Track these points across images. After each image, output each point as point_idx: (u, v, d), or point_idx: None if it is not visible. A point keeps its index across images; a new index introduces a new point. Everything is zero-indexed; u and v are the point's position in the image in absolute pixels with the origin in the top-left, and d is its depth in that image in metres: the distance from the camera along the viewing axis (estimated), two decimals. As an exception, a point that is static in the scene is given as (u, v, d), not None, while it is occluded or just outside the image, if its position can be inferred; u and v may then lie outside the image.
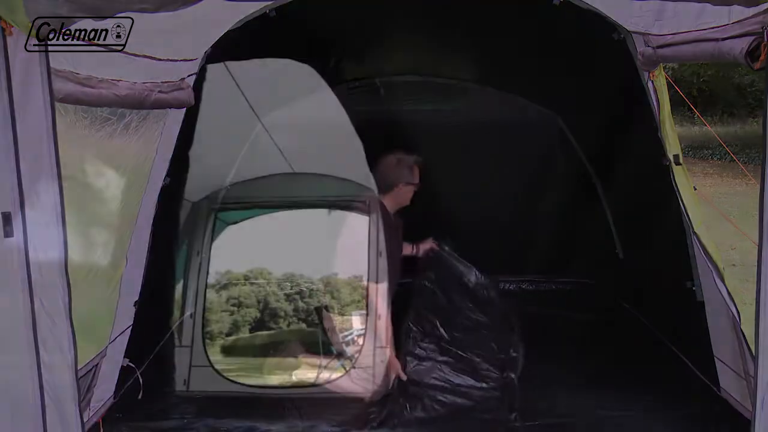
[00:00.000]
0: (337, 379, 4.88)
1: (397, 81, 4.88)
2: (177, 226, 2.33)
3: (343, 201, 4.88)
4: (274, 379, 7.14)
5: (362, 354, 4.63)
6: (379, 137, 3.80)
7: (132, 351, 2.14)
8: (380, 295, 4.72)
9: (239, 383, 4.56)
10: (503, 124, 4.90)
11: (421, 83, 4.94)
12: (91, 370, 1.96)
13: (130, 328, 2.14)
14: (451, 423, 3.21)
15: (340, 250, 4.42)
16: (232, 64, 3.04)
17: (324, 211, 5.42)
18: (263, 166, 4.82)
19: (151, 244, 2.26)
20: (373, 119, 4.19)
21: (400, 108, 4.81)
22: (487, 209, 4.94)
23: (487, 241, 4.91)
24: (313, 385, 5.36)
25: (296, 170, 4.93)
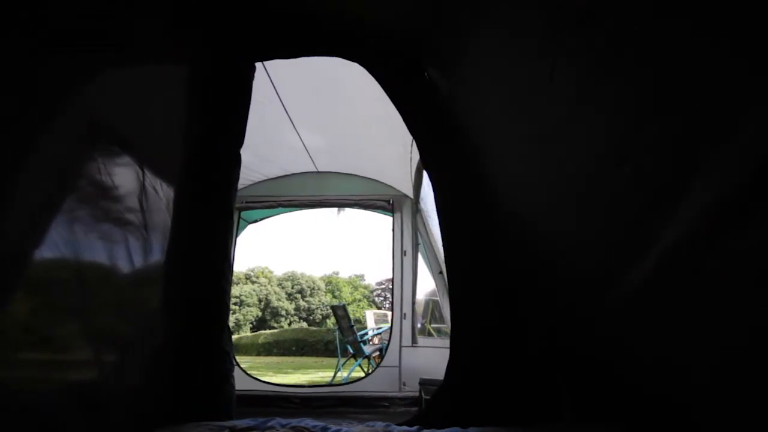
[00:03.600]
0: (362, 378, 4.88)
1: None
2: (230, 221, 2.33)
3: (368, 200, 4.87)
4: (294, 379, 7.20)
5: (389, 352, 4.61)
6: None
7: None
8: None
9: (266, 382, 4.55)
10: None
11: None
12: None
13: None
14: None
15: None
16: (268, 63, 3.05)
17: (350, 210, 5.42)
18: (288, 164, 4.80)
19: (203, 241, 2.26)
20: None
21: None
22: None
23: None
24: (335, 384, 5.36)
25: (321, 169, 4.91)
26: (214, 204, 2.31)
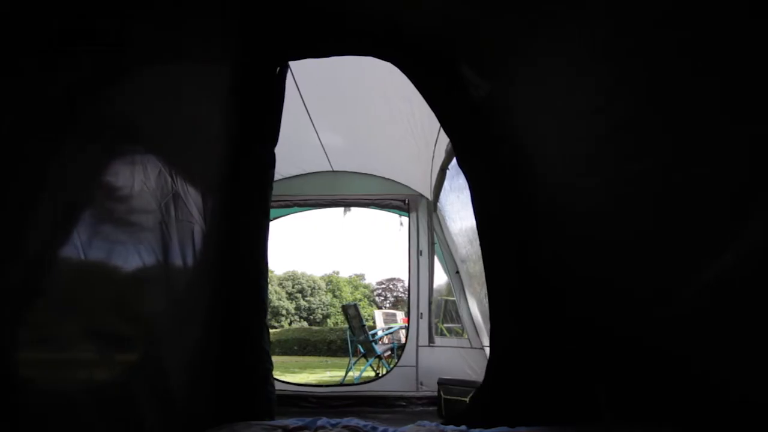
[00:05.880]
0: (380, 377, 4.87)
1: None
2: (267, 220, 2.33)
3: (383, 200, 4.87)
4: (302, 378, 7.18)
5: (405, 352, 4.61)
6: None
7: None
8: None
9: (284, 381, 4.54)
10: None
11: None
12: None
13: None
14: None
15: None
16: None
17: (355, 209, 5.40)
18: (304, 164, 4.79)
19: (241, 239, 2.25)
20: None
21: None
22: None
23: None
24: (353, 384, 5.34)
25: (336, 169, 4.90)
26: (251, 204, 2.31)
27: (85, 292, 1.24)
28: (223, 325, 2.13)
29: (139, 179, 1.66)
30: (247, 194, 2.29)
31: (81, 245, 1.28)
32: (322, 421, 1.77)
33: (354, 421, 1.78)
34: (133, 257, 1.48)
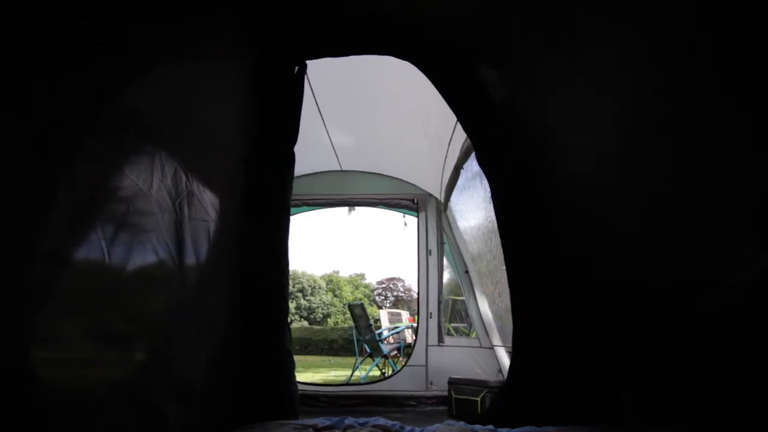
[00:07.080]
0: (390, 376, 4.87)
1: None
2: (288, 218, 2.33)
3: (392, 199, 4.87)
4: (307, 377, 7.14)
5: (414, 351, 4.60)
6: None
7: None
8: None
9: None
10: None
11: None
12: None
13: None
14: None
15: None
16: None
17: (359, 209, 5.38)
18: (314, 163, 4.78)
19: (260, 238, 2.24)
20: None
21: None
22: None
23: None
24: (362, 383, 5.34)
25: (345, 168, 4.89)
26: (271, 202, 2.31)
27: (101, 291, 1.22)
28: (246, 325, 2.12)
29: (157, 178, 1.65)
30: (266, 193, 2.29)
31: (104, 245, 1.27)
32: (349, 420, 1.77)
33: (381, 421, 1.77)
34: (149, 256, 1.46)
